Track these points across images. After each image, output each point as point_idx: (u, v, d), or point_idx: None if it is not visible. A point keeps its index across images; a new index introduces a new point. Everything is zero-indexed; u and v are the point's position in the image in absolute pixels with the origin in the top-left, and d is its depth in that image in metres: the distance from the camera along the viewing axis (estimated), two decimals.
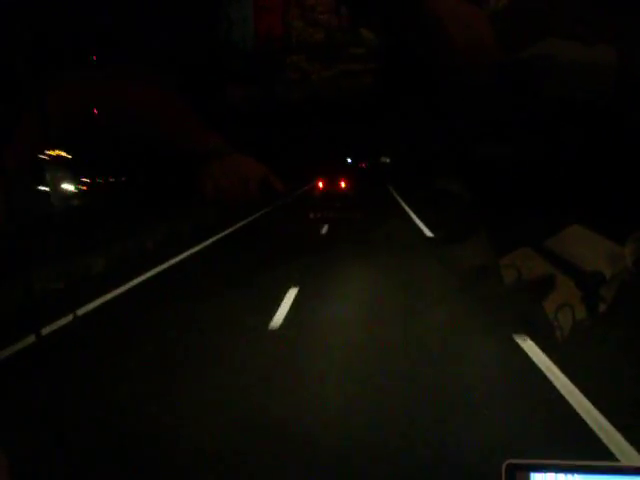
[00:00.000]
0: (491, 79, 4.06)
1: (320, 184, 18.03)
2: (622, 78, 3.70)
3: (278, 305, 5.84)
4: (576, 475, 1.00)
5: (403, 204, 18.73)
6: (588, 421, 3.21)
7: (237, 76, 7.80)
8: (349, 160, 32.84)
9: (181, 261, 8.91)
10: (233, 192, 1.58)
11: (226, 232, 12.29)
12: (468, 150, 5.28)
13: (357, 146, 30.59)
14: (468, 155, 5.45)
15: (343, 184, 17.93)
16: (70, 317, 5.09)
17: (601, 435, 3.04)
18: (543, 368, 3.91)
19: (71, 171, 10.77)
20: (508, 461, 0.98)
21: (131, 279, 7.42)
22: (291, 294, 6.32)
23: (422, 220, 13.02)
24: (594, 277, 4.04)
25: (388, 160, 37.70)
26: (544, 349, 4.16)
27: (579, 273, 4.41)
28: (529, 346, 4.31)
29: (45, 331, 4.34)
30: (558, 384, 3.68)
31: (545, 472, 1.01)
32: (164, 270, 8.23)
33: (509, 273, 5.60)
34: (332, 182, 18.03)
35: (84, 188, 13.18)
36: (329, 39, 7.61)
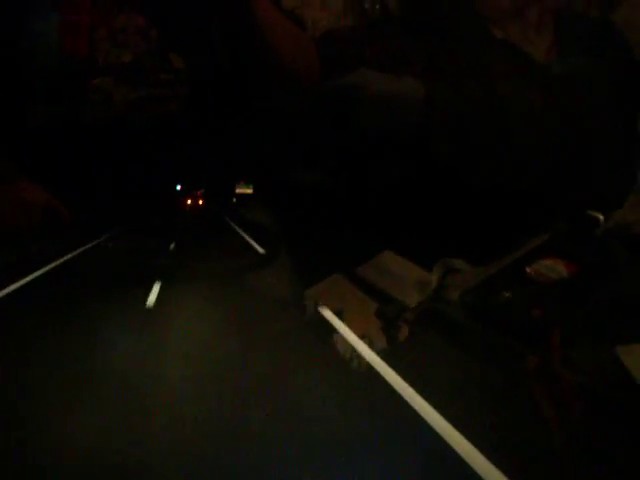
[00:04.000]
0: (310, 106, 4.03)
1: None
2: (429, 108, 3.84)
3: None
4: None
5: None
6: None
7: (40, 96, 7.23)
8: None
9: None
10: (14, 220, 1.33)
11: None
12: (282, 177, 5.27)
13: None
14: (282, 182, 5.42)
15: None
16: None
17: None
18: None
19: None
20: None
21: None
22: None
23: None
24: (394, 307, 4.11)
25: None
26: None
27: (380, 302, 4.48)
28: None
29: None
30: None
31: None
32: None
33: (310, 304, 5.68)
34: None
35: None
36: (137, 62, 7.31)
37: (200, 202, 34.76)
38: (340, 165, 4.20)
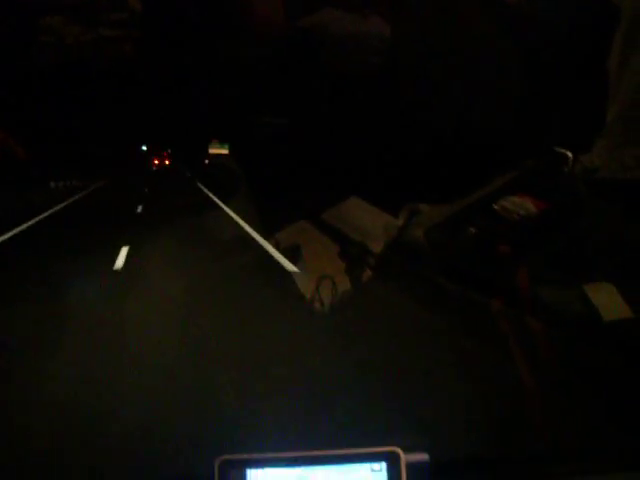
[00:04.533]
0: (278, 50, 3.85)
1: None
2: (395, 49, 3.71)
3: None
4: (295, 468, 0.99)
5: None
6: None
7: None
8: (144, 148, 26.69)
9: None
10: None
11: None
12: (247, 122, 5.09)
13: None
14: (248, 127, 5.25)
15: None
16: None
17: None
18: None
19: None
20: (222, 457, 0.91)
21: None
22: None
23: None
24: (356, 248, 4.03)
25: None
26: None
27: (344, 245, 4.41)
28: None
29: None
30: None
31: (262, 468, 0.96)
32: None
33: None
34: None
35: None
36: (89, 1, 6.94)
37: (167, 162, 33.79)
38: (307, 109, 4.05)
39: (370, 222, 4.22)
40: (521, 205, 2.59)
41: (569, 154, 2.98)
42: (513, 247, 2.42)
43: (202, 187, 18.59)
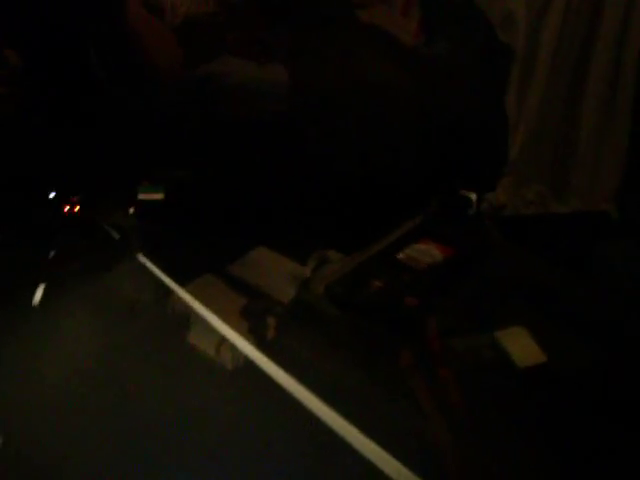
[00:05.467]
0: (173, 98, 3.69)
1: None
2: (294, 96, 3.63)
3: None
4: None
5: None
6: None
7: None
8: None
9: None
10: None
11: None
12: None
13: None
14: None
15: None
16: None
17: None
18: None
19: None
20: None
21: None
22: None
23: None
24: (261, 303, 3.88)
25: None
26: None
27: (249, 299, 4.24)
28: None
29: None
30: None
31: None
32: None
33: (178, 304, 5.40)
34: None
35: None
36: None
37: (76, 210, 32.69)
38: (207, 160, 3.90)
39: (277, 272, 4.09)
40: (426, 252, 2.51)
41: (473, 196, 2.94)
42: (420, 297, 2.31)
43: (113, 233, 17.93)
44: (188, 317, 4.37)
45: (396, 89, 3.61)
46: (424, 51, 3.91)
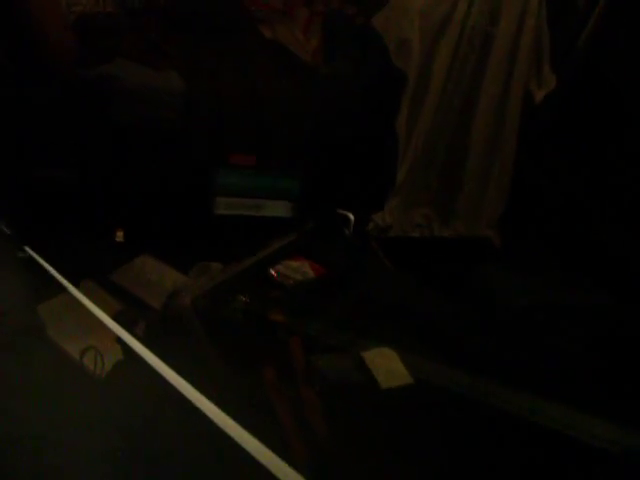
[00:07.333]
0: (59, 97, 3.53)
1: None
2: (189, 105, 3.58)
3: None
4: None
5: None
6: None
7: None
8: None
9: None
10: None
11: None
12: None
13: None
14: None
15: None
16: None
17: None
18: None
19: None
20: None
21: None
22: None
23: None
24: (131, 311, 3.78)
25: None
26: None
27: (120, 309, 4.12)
28: None
29: None
30: None
31: None
32: None
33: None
34: None
35: None
36: None
37: None
38: (90, 163, 3.76)
39: (157, 279, 4.00)
40: (298, 269, 2.50)
41: (350, 216, 2.98)
42: (287, 314, 2.29)
43: None
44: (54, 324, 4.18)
45: (289, 104, 3.62)
46: (322, 70, 3.94)
